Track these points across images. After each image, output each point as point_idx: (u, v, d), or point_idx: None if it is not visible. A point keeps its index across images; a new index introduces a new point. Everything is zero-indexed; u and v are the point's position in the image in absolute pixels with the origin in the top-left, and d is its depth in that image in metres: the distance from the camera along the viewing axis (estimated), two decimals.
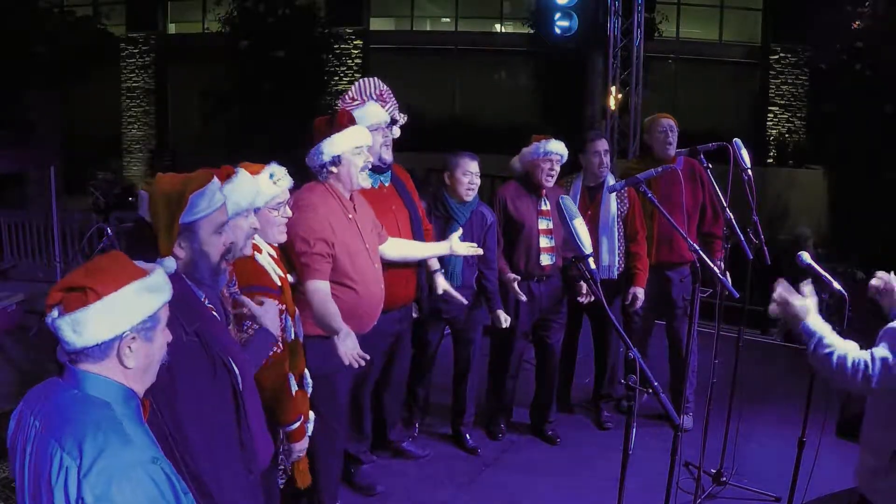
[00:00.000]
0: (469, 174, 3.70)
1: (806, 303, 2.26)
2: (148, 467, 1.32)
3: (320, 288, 2.83)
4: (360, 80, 3.43)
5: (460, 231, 3.51)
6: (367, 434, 3.63)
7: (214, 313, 1.88)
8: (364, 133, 2.96)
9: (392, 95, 3.46)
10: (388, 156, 3.38)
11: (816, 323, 2.22)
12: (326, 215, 2.86)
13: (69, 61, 11.85)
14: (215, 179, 1.83)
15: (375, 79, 3.43)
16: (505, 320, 3.78)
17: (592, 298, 3.90)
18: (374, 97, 3.36)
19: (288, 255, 2.75)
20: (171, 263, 1.70)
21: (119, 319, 1.38)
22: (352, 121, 2.96)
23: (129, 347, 1.40)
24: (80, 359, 1.39)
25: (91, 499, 1.27)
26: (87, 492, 1.27)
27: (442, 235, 3.64)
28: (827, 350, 2.15)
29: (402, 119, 3.52)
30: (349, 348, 2.76)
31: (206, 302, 1.88)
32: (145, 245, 1.74)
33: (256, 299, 2.21)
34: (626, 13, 8.55)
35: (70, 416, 1.35)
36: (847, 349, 2.14)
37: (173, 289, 1.52)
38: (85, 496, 1.27)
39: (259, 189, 2.25)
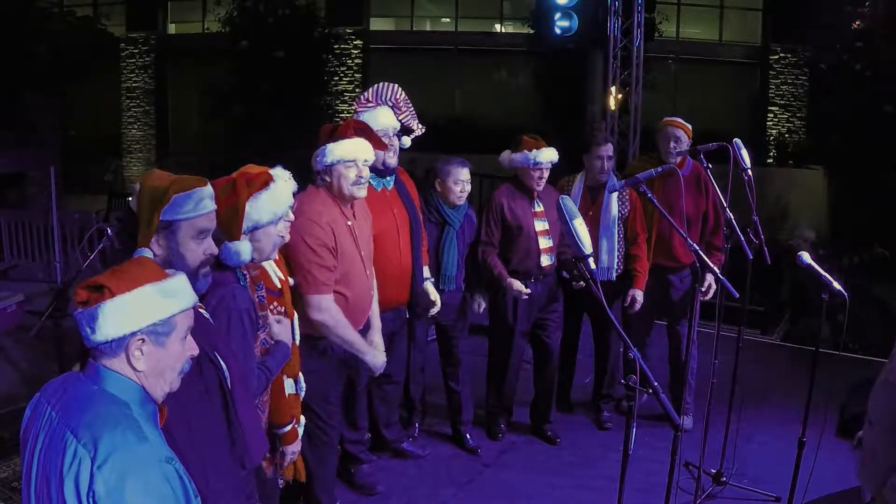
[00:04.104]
0: (460, 182, 3.72)
1: None
2: (162, 466, 1.35)
3: (328, 308, 2.84)
4: (380, 84, 3.41)
5: None
6: (360, 427, 3.61)
7: (202, 311, 1.88)
8: (363, 147, 2.90)
9: (409, 105, 3.45)
10: (392, 161, 3.37)
11: None
12: (329, 222, 2.87)
13: (69, 61, 11.84)
14: (208, 187, 1.83)
15: (395, 86, 3.42)
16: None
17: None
18: (390, 103, 3.36)
19: (288, 258, 2.74)
20: (146, 253, 1.71)
21: (128, 319, 1.40)
22: (357, 132, 2.91)
23: (140, 350, 1.42)
24: (97, 354, 1.43)
25: (103, 491, 1.28)
26: (100, 484, 1.29)
27: (438, 240, 3.76)
28: None
29: (419, 130, 3.50)
30: (378, 364, 3.03)
31: None
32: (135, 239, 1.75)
33: (273, 317, 2.34)
34: (626, 13, 8.52)
35: (88, 408, 1.37)
36: None
37: None
38: (97, 488, 1.29)
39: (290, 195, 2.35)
